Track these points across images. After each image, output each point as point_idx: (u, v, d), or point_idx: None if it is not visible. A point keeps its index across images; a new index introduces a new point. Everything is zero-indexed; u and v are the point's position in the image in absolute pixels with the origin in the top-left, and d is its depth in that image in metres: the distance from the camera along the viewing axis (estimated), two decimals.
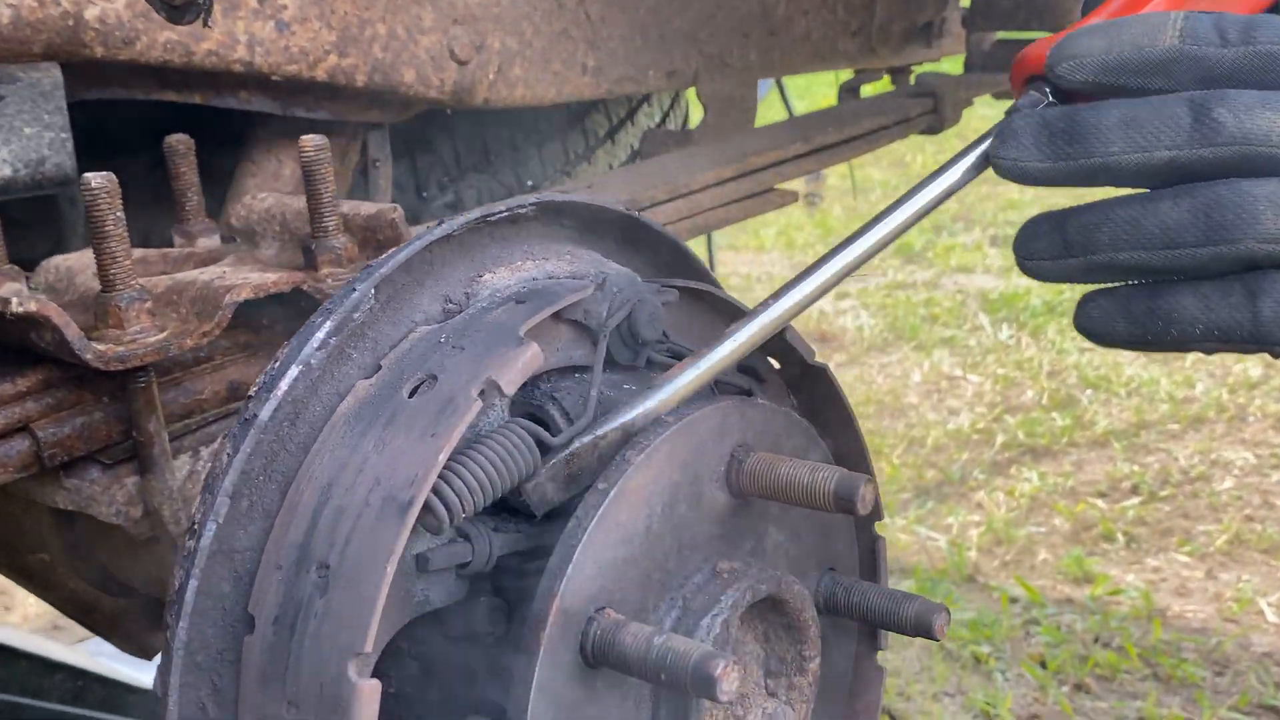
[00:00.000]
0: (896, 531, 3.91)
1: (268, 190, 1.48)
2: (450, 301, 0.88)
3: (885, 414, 4.91)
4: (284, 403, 0.80)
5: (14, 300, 0.99)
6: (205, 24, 1.22)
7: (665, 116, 2.39)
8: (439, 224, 0.88)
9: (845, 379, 5.41)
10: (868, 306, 6.55)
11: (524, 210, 0.92)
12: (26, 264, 1.24)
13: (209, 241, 1.30)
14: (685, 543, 0.85)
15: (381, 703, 0.87)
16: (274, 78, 1.44)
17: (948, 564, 3.68)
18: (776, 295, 0.93)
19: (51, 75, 1.28)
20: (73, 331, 0.99)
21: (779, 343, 1.01)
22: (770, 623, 0.92)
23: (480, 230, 0.91)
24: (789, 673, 0.93)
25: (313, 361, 0.82)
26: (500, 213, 0.90)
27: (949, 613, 0.94)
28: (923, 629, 0.94)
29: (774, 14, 2.11)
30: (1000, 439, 4.56)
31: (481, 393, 0.77)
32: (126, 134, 1.59)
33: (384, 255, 0.86)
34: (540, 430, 0.82)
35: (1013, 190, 7.70)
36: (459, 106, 1.66)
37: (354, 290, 0.82)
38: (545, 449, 0.83)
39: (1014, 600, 3.44)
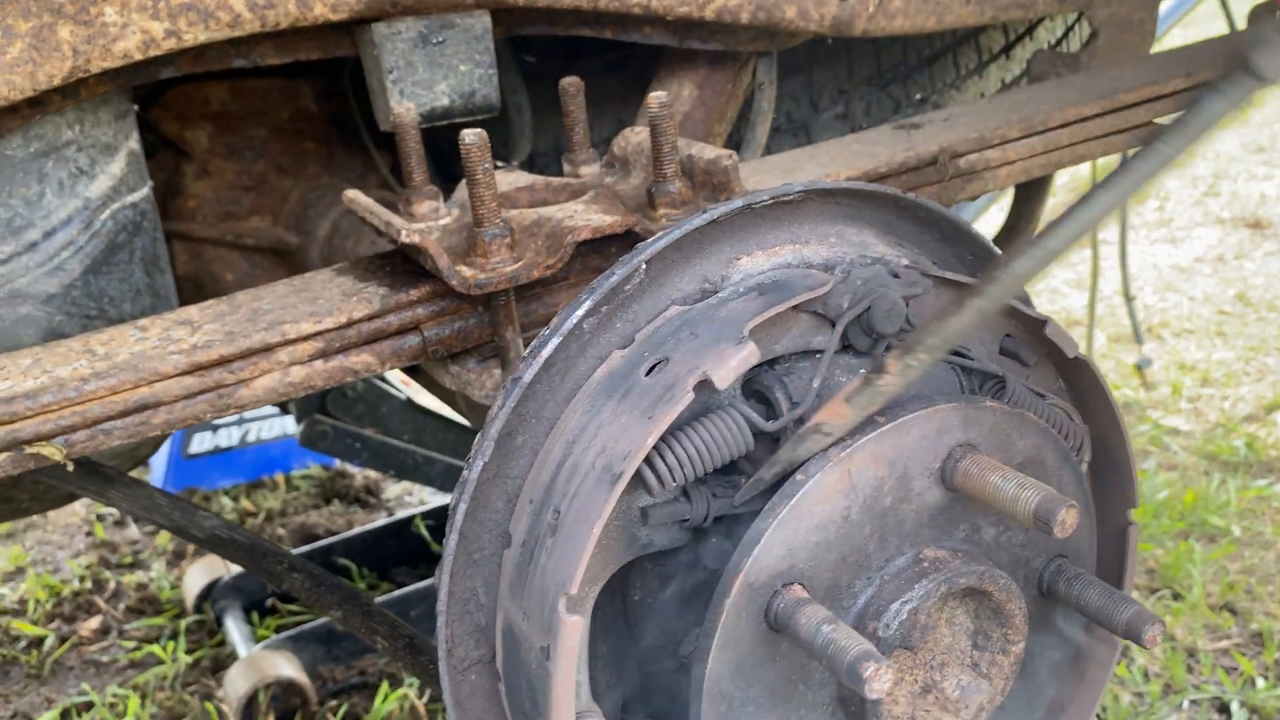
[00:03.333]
0: None
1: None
2: (707, 282, 0.83)
3: None
4: (547, 364, 0.80)
5: (403, 231, 1.05)
6: None
7: (1067, 33, 2.07)
8: (705, 210, 0.82)
9: (1271, 269, 4.64)
10: None
11: (789, 196, 0.84)
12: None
13: (589, 169, 1.31)
14: (889, 530, 0.78)
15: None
16: (668, 18, 1.40)
17: None
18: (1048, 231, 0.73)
19: (482, 21, 1.32)
20: (444, 261, 1.04)
21: (1040, 336, 0.88)
22: (980, 602, 0.83)
23: (747, 214, 0.84)
24: (993, 650, 0.83)
25: (585, 326, 0.81)
26: (764, 199, 0.83)
27: (1163, 624, 0.79)
28: (1133, 635, 0.80)
29: None
30: None
31: (698, 385, 0.73)
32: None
33: (651, 238, 0.82)
34: (754, 416, 0.76)
35: None
36: (838, 37, 1.54)
37: (614, 274, 0.80)
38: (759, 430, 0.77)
39: None
